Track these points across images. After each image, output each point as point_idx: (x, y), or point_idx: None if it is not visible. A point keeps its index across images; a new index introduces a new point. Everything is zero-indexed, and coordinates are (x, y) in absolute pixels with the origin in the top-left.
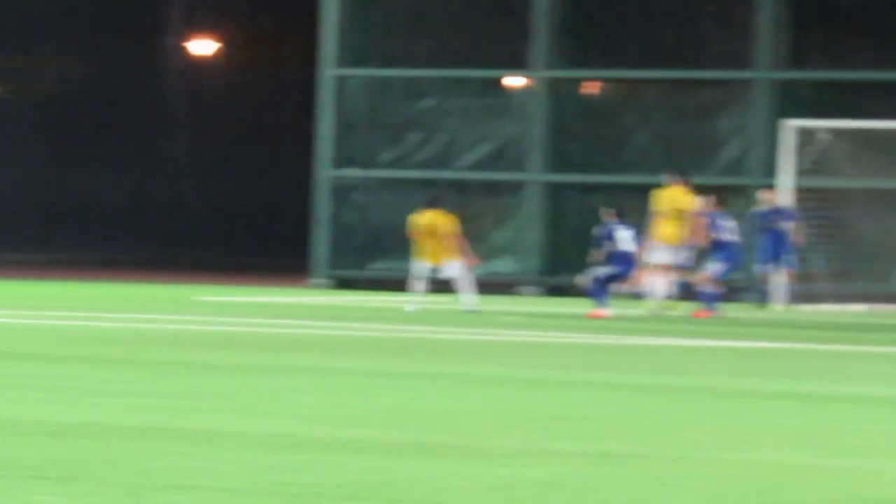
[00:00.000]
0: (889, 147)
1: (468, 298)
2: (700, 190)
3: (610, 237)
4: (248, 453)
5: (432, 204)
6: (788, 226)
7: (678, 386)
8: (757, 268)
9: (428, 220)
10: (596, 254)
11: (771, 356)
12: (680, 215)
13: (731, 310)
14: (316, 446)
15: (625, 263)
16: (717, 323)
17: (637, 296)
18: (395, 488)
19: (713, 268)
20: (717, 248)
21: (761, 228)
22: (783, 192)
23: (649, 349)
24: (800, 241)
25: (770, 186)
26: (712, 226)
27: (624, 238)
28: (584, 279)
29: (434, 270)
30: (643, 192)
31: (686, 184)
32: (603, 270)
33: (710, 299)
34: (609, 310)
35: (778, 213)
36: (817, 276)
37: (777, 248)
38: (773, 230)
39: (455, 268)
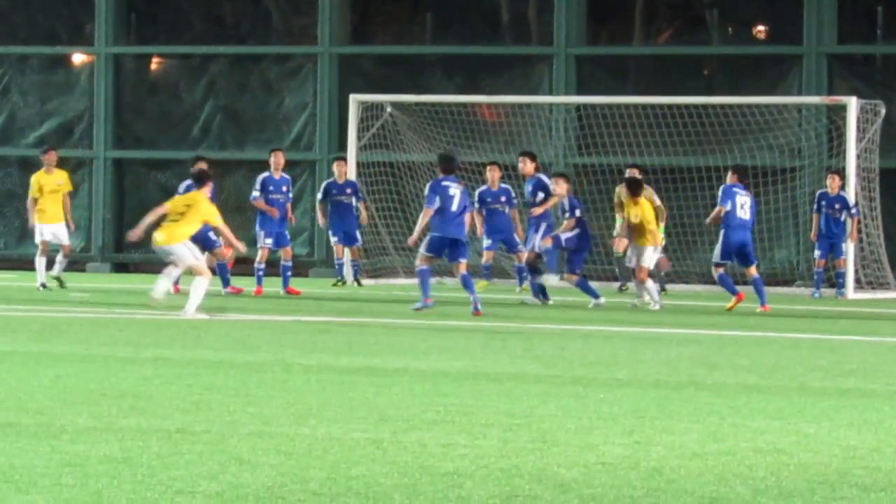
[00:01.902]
0: (452, 121)
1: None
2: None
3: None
4: None
5: None
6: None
7: (249, 362)
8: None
9: None
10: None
11: (340, 331)
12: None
13: (306, 285)
14: None
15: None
16: (286, 298)
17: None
18: None
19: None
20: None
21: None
22: (351, 166)
23: (220, 325)
24: (364, 219)
25: (342, 159)
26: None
27: None
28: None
29: None
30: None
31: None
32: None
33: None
34: None
35: (349, 186)
36: (386, 251)
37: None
38: (340, 204)
39: None
